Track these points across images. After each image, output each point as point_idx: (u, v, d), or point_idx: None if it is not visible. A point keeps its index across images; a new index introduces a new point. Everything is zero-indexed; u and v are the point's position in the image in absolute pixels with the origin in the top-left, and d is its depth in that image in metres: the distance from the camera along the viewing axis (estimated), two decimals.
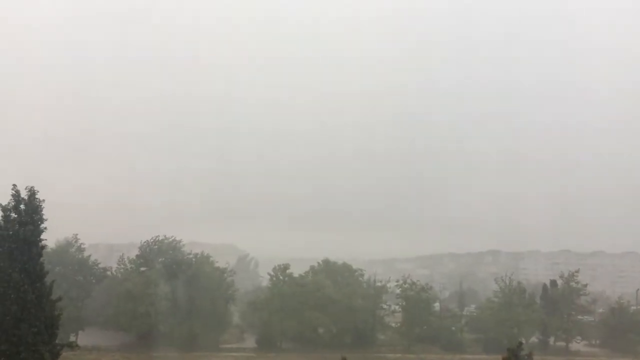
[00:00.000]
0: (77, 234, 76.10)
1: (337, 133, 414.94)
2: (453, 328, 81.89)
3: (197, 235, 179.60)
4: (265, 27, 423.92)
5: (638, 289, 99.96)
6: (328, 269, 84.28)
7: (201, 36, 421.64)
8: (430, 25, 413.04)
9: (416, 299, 79.68)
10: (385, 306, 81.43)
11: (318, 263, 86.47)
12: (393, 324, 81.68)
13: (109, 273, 75.76)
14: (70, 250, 74.48)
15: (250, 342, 77.44)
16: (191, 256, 78.98)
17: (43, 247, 27.37)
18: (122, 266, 76.58)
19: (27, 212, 26.79)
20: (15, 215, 26.91)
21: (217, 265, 79.73)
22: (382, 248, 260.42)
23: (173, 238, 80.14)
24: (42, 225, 27.30)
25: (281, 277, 78.06)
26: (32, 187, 26.99)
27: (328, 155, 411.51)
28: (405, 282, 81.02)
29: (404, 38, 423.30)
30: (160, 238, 79.04)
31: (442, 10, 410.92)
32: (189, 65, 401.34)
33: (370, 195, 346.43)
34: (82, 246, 76.32)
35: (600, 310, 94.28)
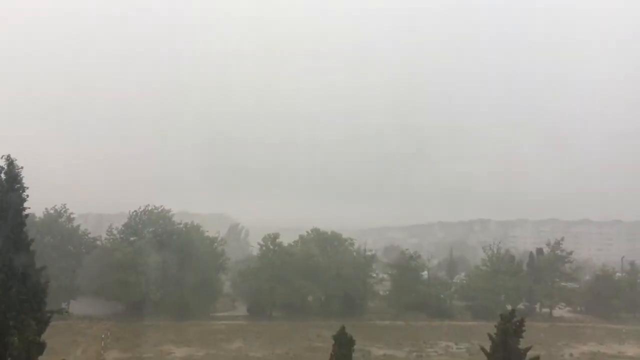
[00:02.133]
0: (65, 204, 75.75)
1: (328, 107, 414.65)
2: (442, 296, 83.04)
3: (188, 205, 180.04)
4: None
5: (623, 257, 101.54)
6: (318, 238, 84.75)
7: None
8: None
9: (405, 267, 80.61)
10: (374, 275, 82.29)
11: (307, 232, 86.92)
12: (382, 292, 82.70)
13: (98, 243, 75.69)
14: (59, 220, 74.21)
15: (241, 310, 78.23)
16: (181, 226, 79.04)
17: (26, 215, 27.18)
18: (111, 236, 76.50)
19: (8, 180, 26.51)
20: None
21: (207, 234, 79.97)
22: (374, 217, 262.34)
23: (162, 208, 79.93)
24: (24, 194, 27.04)
25: (271, 247, 78.47)
26: (9, 155, 26.70)
27: (320, 127, 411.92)
28: (394, 251, 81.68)
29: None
30: (150, 208, 78.80)
31: None
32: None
33: (363, 165, 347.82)
34: (72, 216, 76.08)
35: (586, 277, 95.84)
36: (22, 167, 27.07)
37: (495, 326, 26.55)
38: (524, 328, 26.40)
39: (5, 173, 26.74)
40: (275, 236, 79.33)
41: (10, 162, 26.73)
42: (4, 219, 25.58)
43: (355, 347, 28.37)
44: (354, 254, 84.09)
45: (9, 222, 25.50)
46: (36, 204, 28.13)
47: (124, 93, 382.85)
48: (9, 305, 24.56)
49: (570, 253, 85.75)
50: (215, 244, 79.15)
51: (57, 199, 76.96)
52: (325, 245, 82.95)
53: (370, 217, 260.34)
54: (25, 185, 27.12)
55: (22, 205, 26.77)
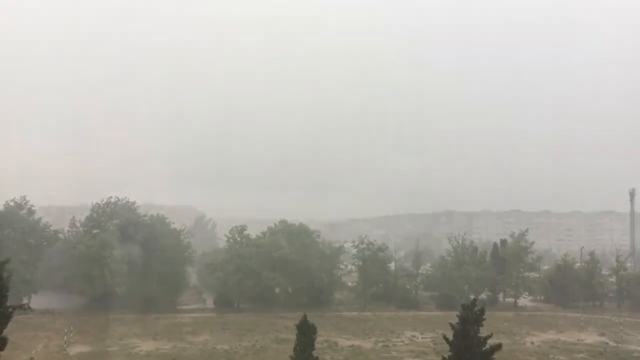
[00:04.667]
0: (25, 196, 73.91)
1: (297, 101, 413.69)
2: (408, 286, 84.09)
3: (153, 197, 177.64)
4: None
5: (582, 247, 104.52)
6: (285, 230, 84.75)
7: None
8: None
9: (372, 259, 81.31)
10: (342, 266, 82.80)
11: (275, 224, 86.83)
12: (350, 284, 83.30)
13: (60, 235, 74.12)
14: (20, 212, 72.42)
15: (208, 303, 77.77)
16: (146, 218, 78.01)
17: None
18: (74, 229, 74.98)
19: None
20: None
21: (173, 226, 79.14)
22: (341, 209, 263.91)
23: (126, 200, 78.74)
24: None
25: (238, 239, 78.25)
26: None
27: (287, 121, 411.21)
28: (362, 243, 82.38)
29: None
30: (114, 200, 77.52)
31: None
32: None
33: (329, 159, 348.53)
34: (33, 208, 74.32)
35: (546, 267, 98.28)
36: None
37: (457, 315, 27.11)
38: (484, 317, 27.00)
39: None
40: (242, 228, 79.10)
41: None
42: None
43: (322, 338, 28.64)
44: (321, 245, 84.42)
45: None
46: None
47: (87, 84, 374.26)
48: None
49: (532, 243, 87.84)
50: (182, 236, 78.42)
51: (17, 191, 75.29)
52: (292, 237, 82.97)
53: (337, 209, 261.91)
54: None
55: None
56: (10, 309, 25.80)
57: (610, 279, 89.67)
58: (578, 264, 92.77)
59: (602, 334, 61.39)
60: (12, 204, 72.41)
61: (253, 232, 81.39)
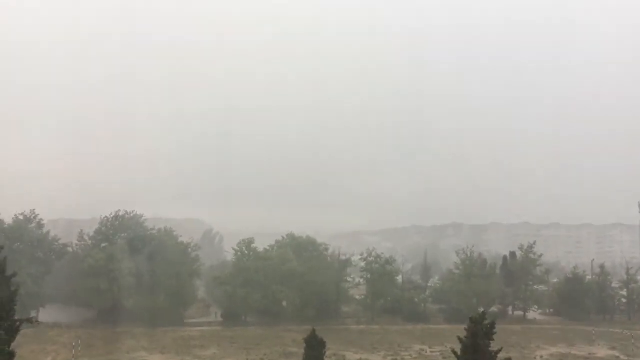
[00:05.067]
0: (34, 209, 74.28)
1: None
2: (416, 299, 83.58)
3: (161, 210, 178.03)
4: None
5: (593, 260, 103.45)
6: (293, 243, 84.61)
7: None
8: None
9: (380, 272, 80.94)
10: (349, 279, 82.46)
11: (283, 237, 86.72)
12: (357, 297, 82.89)
13: (69, 249, 74.35)
14: (29, 226, 72.69)
15: (215, 316, 77.56)
16: (154, 231, 78.14)
17: None
18: (82, 242, 75.21)
19: None
20: None
21: (181, 240, 79.19)
22: (348, 222, 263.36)
23: (134, 213, 78.90)
24: None
25: (246, 252, 78.12)
26: None
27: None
28: (370, 255, 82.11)
29: None
30: (122, 213, 77.72)
31: None
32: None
33: (336, 171, 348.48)
34: (42, 222, 74.59)
35: (555, 280, 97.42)
36: None
37: (466, 329, 26.73)
38: (494, 330, 26.64)
39: None
40: (250, 241, 78.99)
41: None
42: None
43: (330, 352, 28.43)
44: (329, 258, 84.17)
45: None
46: (5, 210, 27.39)
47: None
48: None
49: (541, 256, 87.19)
50: (190, 249, 78.40)
51: (26, 205, 75.63)
52: (300, 250, 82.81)
53: (345, 222, 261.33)
54: None
55: None
56: (18, 323, 25.82)
57: (621, 292, 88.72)
58: (589, 277, 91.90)
59: (613, 348, 60.63)
60: (21, 217, 72.70)
61: (261, 245, 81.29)
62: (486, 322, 26.77)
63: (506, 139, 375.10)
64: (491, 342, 26.46)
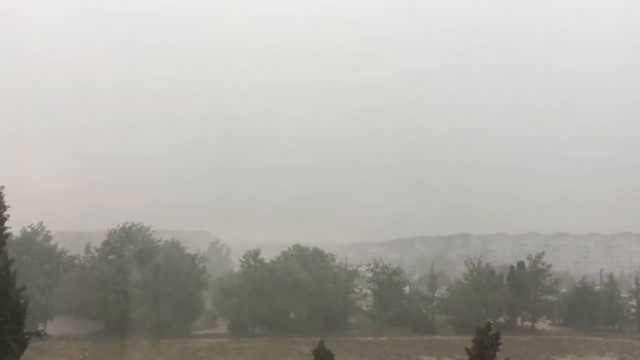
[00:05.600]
0: (42, 222, 74.65)
1: (301, 125, 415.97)
2: (424, 310, 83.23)
3: (168, 222, 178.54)
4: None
5: (602, 270, 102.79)
6: (299, 254, 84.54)
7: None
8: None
9: (387, 282, 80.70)
10: (356, 290, 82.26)
11: (289, 248, 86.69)
12: (365, 308, 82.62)
13: (76, 261, 74.59)
14: (36, 238, 73.07)
15: (222, 328, 77.42)
16: (161, 243, 78.32)
17: (6, 235, 26.68)
18: (89, 254, 75.47)
19: None
20: None
21: (187, 251, 79.30)
22: (354, 233, 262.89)
23: (141, 225, 79.15)
24: (5, 213, 26.57)
25: (252, 263, 78.13)
26: None
27: (296, 143, 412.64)
28: (377, 266, 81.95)
29: None
30: (129, 225, 77.98)
31: None
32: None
33: (342, 182, 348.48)
34: (49, 234, 74.95)
35: (564, 290, 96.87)
36: (3, 187, 26.69)
37: (472, 340, 26.78)
38: (499, 341, 26.64)
39: None
40: (256, 252, 79.01)
41: None
42: None
43: None
44: (335, 269, 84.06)
45: None
46: (12, 222, 27.47)
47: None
48: None
49: (549, 266, 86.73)
50: (196, 261, 78.45)
51: (34, 217, 75.99)
52: (306, 261, 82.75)
53: (351, 232, 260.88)
54: (5, 204, 26.63)
55: (3, 224, 26.26)
56: (27, 336, 25.93)
57: (630, 302, 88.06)
58: (597, 287, 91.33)
59: (623, 358, 60.17)
60: (29, 229, 73.08)
61: (267, 256, 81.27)
62: (492, 332, 26.81)
63: (508, 143, 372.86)
64: (498, 352, 26.48)
